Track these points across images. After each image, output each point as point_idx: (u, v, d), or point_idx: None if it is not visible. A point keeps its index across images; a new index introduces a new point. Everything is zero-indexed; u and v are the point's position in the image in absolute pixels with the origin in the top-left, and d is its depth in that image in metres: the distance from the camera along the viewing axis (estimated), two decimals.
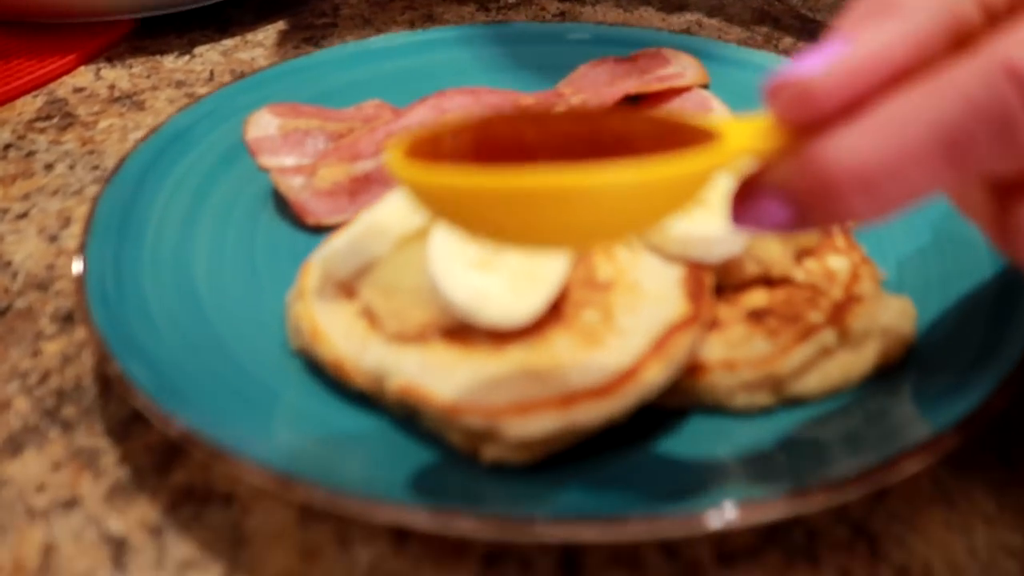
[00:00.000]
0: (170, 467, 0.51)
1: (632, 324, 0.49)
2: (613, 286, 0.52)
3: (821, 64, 0.35)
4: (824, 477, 0.42)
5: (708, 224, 0.53)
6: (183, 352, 0.53)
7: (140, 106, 0.90)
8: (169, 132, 0.73)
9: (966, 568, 0.47)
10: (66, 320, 0.63)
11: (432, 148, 0.37)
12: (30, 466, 0.52)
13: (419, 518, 0.40)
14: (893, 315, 0.55)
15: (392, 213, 0.53)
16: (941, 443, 0.45)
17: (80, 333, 0.61)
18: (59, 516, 0.49)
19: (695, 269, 0.53)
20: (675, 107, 0.84)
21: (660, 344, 0.48)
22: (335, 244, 0.53)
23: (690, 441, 0.49)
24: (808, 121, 0.36)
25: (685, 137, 0.37)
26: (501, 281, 0.49)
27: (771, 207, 0.38)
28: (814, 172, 0.35)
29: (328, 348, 0.52)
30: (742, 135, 0.37)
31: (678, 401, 0.51)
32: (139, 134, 0.85)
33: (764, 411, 0.51)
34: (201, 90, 0.93)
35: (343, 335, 0.52)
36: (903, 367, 0.53)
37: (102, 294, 0.54)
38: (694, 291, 0.51)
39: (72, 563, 0.46)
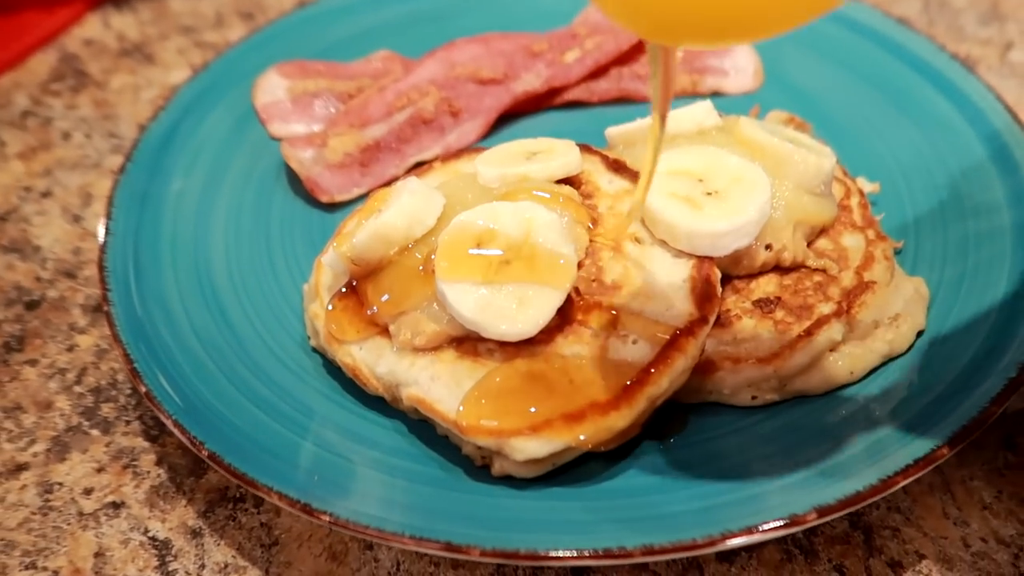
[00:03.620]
0: (204, 467, 0.55)
1: (638, 329, 0.50)
2: (621, 288, 0.52)
3: None
4: (818, 506, 0.44)
5: (716, 219, 0.52)
6: (206, 360, 0.55)
7: (150, 59, 0.89)
8: (180, 105, 0.73)
9: (957, 559, 0.49)
10: (96, 311, 0.65)
11: None
12: (77, 468, 0.55)
13: (432, 547, 0.43)
14: (904, 302, 0.54)
15: (396, 217, 0.53)
16: (943, 453, 0.46)
17: None
18: (107, 519, 0.53)
19: (703, 265, 0.53)
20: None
21: (666, 352, 0.49)
22: (341, 251, 0.54)
23: (691, 451, 0.50)
24: None
25: None
26: (507, 294, 0.49)
27: None
28: None
29: (343, 353, 0.53)
30: None
31: (682, 397, 0.53)
32: (151, 93, 0.85)
33: (767, 406, 0.52)
34: (209, 37, 0.91)
35: (357, 335, 0.53)
36: (910, 354, 0.54)
37: (127, 306, 0.56)
38: (701, 292, 0.51)
39: (122, 567, 0.51)
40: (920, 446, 0.46)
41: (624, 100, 0.77)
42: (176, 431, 0.49)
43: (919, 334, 0.54)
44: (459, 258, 0.50)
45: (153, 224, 0.63)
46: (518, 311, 0.49)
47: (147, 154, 0.68)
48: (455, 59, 0.78)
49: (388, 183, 0.71)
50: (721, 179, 0.55)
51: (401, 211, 0.53)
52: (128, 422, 0.58)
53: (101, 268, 0.58)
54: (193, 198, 0.67)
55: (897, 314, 0.54)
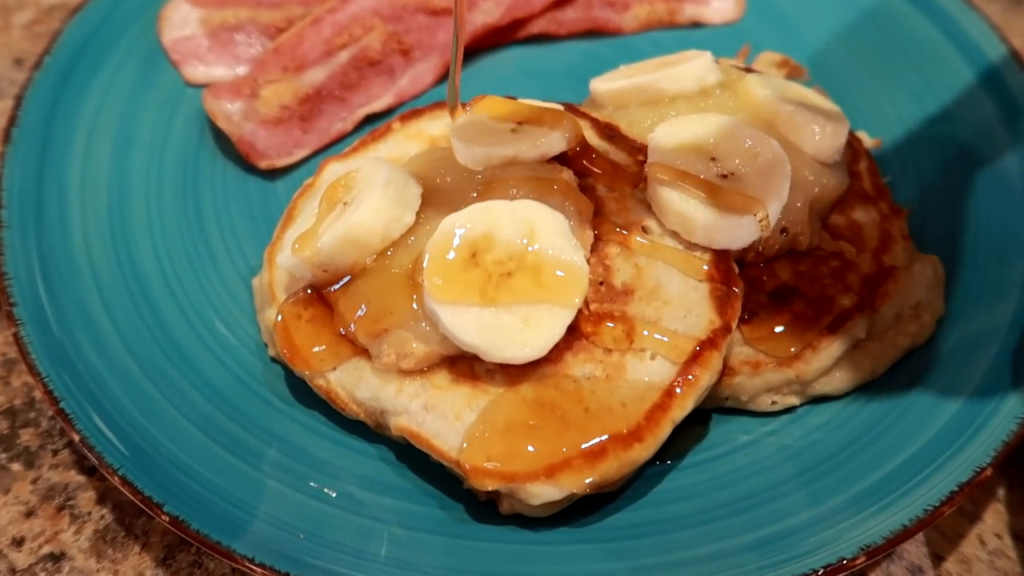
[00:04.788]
0: None
1: (656, 344, 0.44)
2: (633, 293, 0.46)
3: None
4: (865, 546, 0.41)
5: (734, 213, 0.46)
6: (148, 385, 0.46)
7: None
8: (69, 45, 0.60)
9: (975, 559, 0.48)
10: None
11: None
12: (1, 514, 0.47)
13: None
14: (924, 289, 0.51)
15: (372, 216, 0.45)
16: (987, 474, 0.43)
17: None
18: None
19: (721, 260, 0.47)
20: None
21: (688, 368, 0.44)
22: (304, 256, 0.45)
23: (710, 470, 0.46)
24: None
25: None
26: (511, 312, 0.43)
27: None
28: None
29: (313, 376, 0.46)
30: None
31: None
32: (25, 17, 0.70)
33: (786, 410, 0.49)
34: None
35: (328, 360, 0.46)
36: (933, 345, 0.50)
37: (40, 324, 0.47)
38: (722, 294, 0.46)
39: None
40: (961, 465, 0.43)
41: (595, 33, 0.68)
42: (126, 490, 0.41)
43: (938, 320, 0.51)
44: (453, 273, 0.43)
45: (58, 211, 0.53)
46: (524, 332, 0.43)
47: (37, 116, 0.56)
48: None
49: (336, 141, 0.61)
50: (736, 156, 0.48)
51: (375, 209, 0.45)
52: (56, 451, 0.49)
53: (0, 275, 0.48)
54: (102, 173, 0.56)
55: (918, 303, 0.50)
